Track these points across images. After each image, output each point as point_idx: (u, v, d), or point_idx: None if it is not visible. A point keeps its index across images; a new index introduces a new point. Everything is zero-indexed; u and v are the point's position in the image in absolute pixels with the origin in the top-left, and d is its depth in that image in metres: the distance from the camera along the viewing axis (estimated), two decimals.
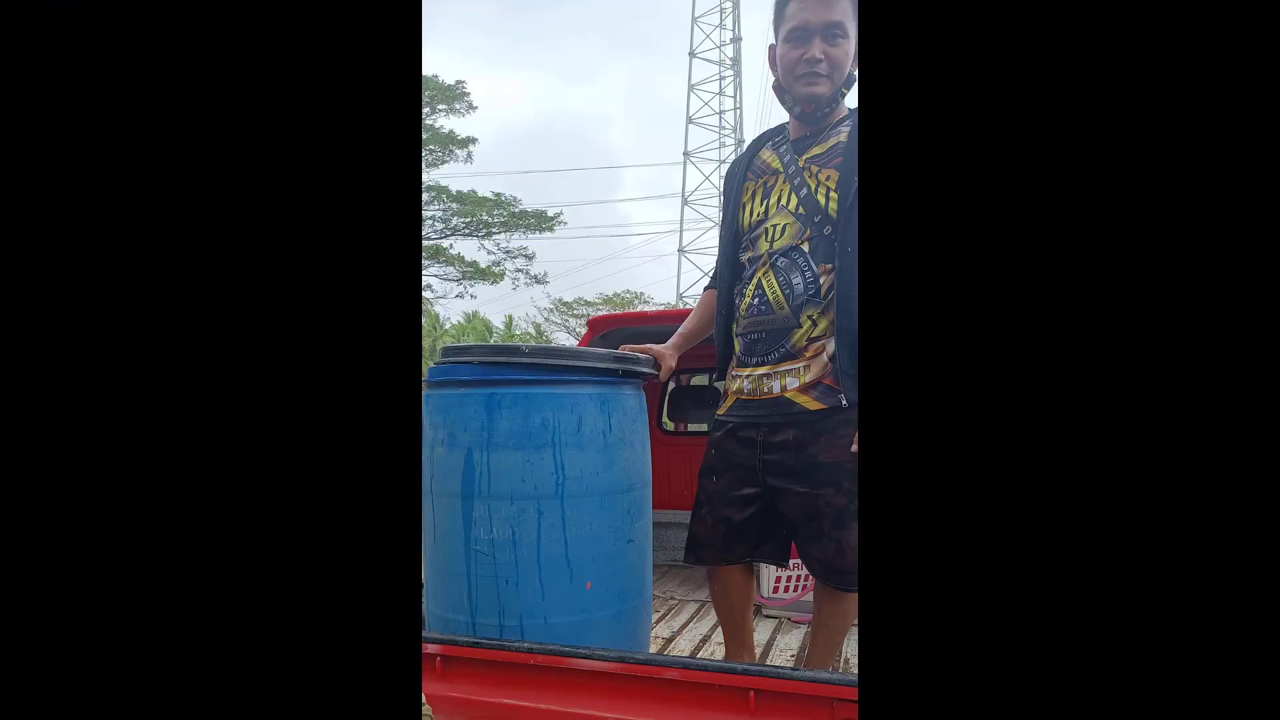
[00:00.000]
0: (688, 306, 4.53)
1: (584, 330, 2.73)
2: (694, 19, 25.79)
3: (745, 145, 1.69)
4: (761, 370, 1.41)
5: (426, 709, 1.29)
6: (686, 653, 2.01)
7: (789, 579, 2.28)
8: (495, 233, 17.80)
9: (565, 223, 18.19)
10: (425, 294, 17.59)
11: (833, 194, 1.35)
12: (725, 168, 2.79)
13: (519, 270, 18.62)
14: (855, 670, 1.32)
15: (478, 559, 1.29)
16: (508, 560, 1.28)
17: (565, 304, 22.98)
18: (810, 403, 1.35)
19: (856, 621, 1.51)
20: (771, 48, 1.44)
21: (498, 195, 17.21)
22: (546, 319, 23.19)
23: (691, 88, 25.35)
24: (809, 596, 2.17)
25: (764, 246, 1.42)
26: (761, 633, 2.13)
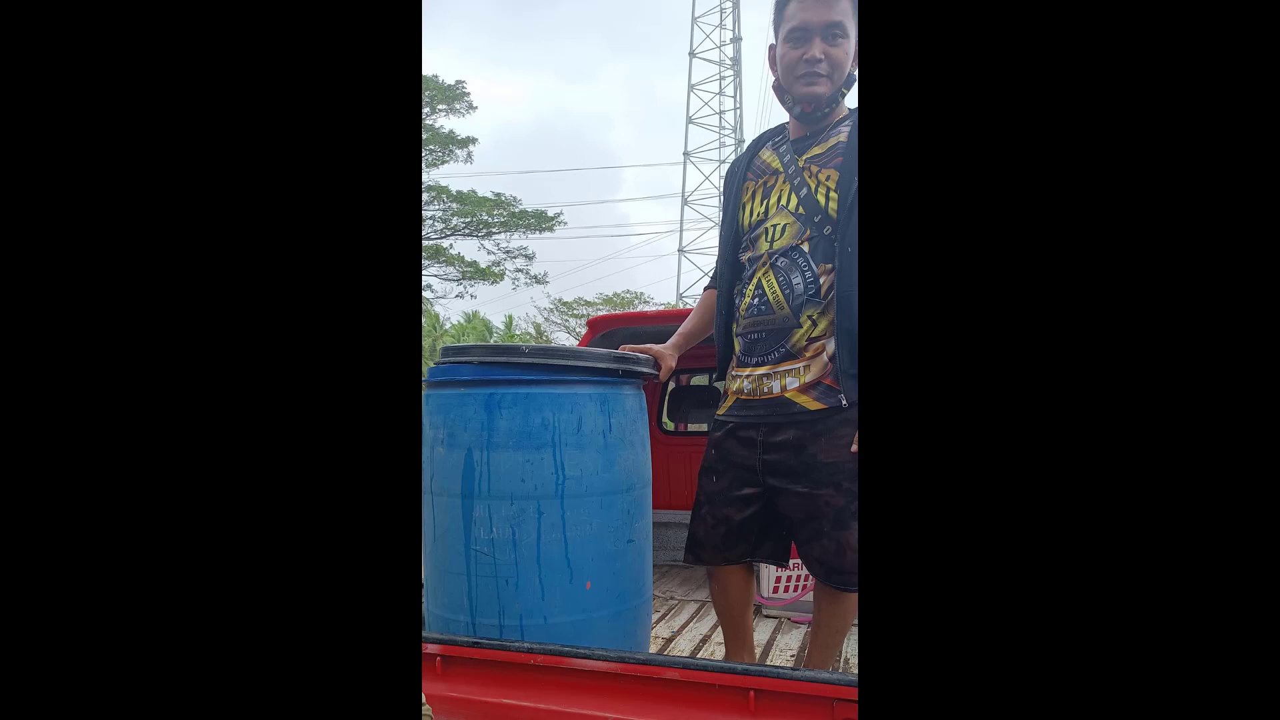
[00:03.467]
0: (688, 306, 4.53)
1: (584, 330, 2.73)
2: (694, 19, 25.81)
3: (745, 145, 1.69)
4: (761, 370, 1.41)
5: (426, 709, 1.29)
6: (686, 653, 2.01)
7: (789, 579, 2.28)
8: (495, 233, 17.79)
9: (565, 223, 18.20)
10: (425, 294, 17.57)
11: (833, 194, 1.35)
12: (725, 168, 2.78)
13: (519, 270, 18.61)
14: (855, 670, 1.32)
15: (478, 559, 1.29)
16: (508, 560, 1.28)
17: (565, 304, 22.96)
18: (810, 403, 1.35)
19: (856, 621, 1.52)
20: (771, 48, 1.44)
21: (498, 195, 17.21)
22: (546, 319, 23.17)
23: (691, 88, 25.37)
24: (809, 596, 2.17)
25: (764, 246, 1.42)
26: (761, 633, 2.13)
